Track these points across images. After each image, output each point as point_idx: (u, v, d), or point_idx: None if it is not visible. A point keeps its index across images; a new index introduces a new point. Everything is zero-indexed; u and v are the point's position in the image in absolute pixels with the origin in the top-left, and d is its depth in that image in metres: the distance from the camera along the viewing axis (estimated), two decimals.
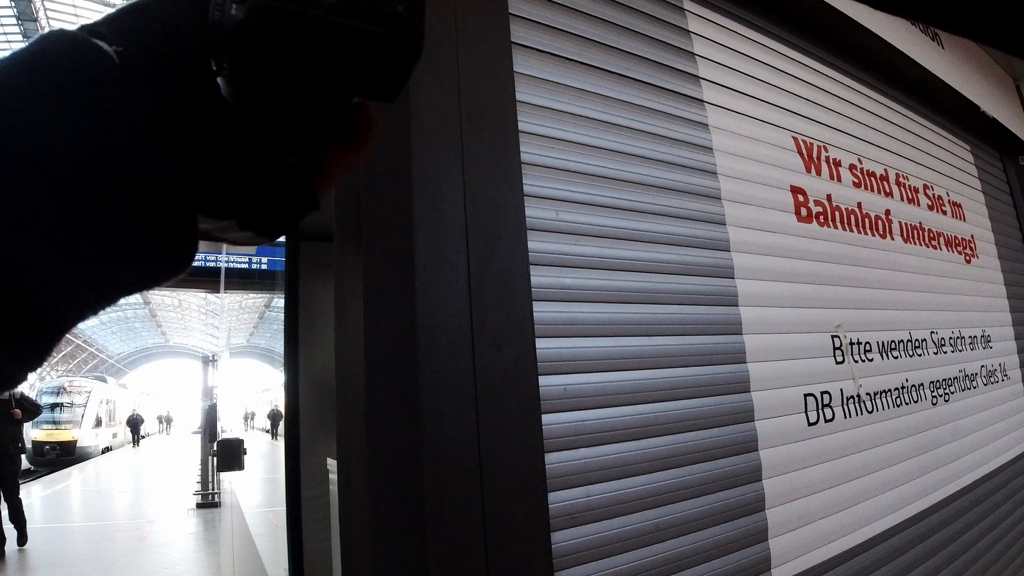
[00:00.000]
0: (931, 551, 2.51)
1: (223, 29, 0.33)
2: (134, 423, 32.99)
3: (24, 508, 8.06)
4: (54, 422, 24.41)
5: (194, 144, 0.33)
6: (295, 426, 2.60)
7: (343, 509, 1.39)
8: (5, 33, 17.77)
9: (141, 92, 0.32)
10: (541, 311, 1.51)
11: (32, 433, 23.67)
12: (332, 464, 2.50)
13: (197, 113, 0.34)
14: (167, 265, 0.34)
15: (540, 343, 1.49)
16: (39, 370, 0.34)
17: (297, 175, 0.39)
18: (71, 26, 0.35)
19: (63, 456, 23.59)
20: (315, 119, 0.39)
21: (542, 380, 1.47)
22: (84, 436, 25.32)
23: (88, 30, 0.33)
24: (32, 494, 14.96)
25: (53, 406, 24.66)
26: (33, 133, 0.28)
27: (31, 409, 8.40)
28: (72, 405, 25.65)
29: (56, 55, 0.30)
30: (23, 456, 9.00)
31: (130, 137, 0.30)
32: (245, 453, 8.80)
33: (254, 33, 0.32)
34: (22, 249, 0.28)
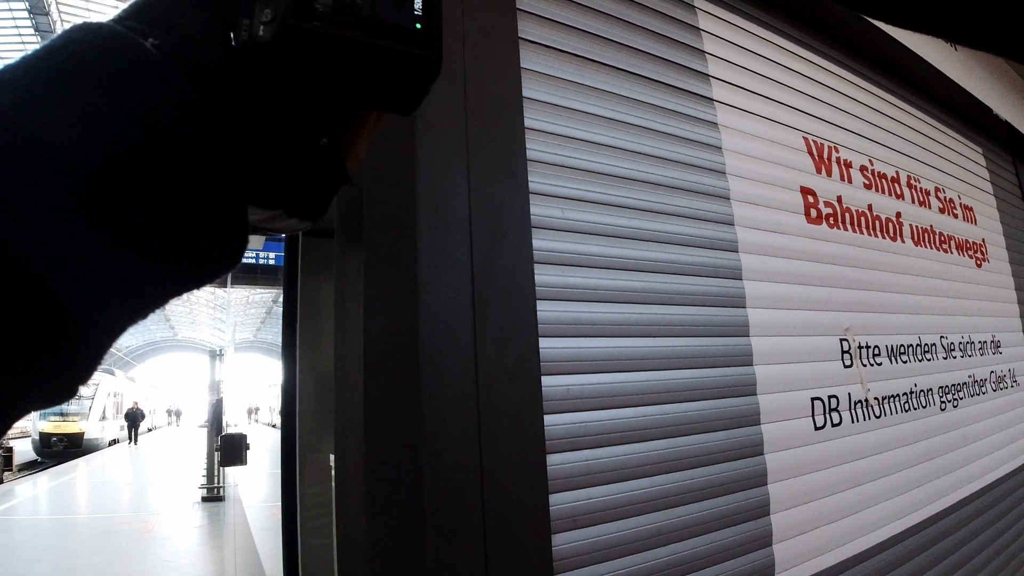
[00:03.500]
0: (938, 558, 2.48)
1: (251, 49, 0.34)
2: (132, 417, 30.26)
3: None
4: (61, 414, 24.57)
5: (240, 133, 0.34)
6: (291, 422, 2.59)
7: (340, 509, 1.37)
8: (17, 26, 17.84)
9: (180, 82, 0.31)
10: (545, 310, 1.49)
11: (39, 425, 23.85)
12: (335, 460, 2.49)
13: (233, 97, 0.34)
14: (219, 261, 0.35)
15: (544, 343, 1.47)
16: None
17: (331, 154, 0.40)
18: (82, 19, 0.35)
19: (70, 448, 23.74)
20: (343, 109, 0.42)
21: (545, 380, 1.45)
22: (91, 428, 25.50)
23: (118, 23, 0.32)
24: (39, 485, 15.04)
25: None
26: (34, 131, 0.27)
27: None
28: (80, 397, 25.79)
29: (85, 48, 0.30)
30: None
31: (157, 127, 0.30)
32: (248, 448, 8.80)
33: (282, 53, 0.34)
34: (64, 257, 0.27)
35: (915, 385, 2.64)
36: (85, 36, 0.30)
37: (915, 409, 2.61)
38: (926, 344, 2.79)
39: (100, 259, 0.28)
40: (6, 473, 18.07)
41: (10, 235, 0.25)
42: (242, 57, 0.35)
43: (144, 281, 0.31)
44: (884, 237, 2.71)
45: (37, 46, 0.30)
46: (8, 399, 0.28)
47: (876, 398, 2.39)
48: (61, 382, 0.30)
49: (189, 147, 0.31)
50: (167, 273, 0.32)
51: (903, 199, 2.91)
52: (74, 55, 0.29)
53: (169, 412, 64.39)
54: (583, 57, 1.72)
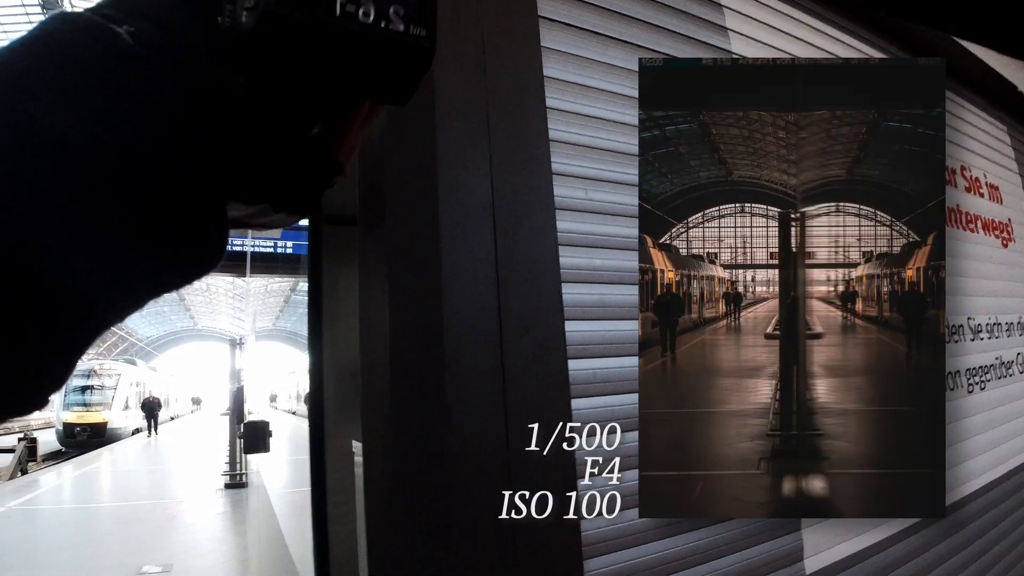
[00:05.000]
0: (963, 543, 2.46)
1: (234, 37, 0.33)
2: (149, 407, 29.05)
3: None
4: (85, 404, 24.83)
5: (221, 123, 0.33)
6: (320, 410, 2.60)
7: (368, 496, 1.37)
8: (28, 13, 17.91)
9: (160, 73, 0.31)
10: (570, 292, 1.47)
11: (63, 415, 24.12)
12: (357, 447, 2.50)
13: (220, 90, 0.33)
14: (196, 260, 0.33)
15: (569, 326, 1.45)
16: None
17: (321, 144, 0.39)
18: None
19: (94, 438, 23.99)
20: (333, 99, 0.39)
21: (572, 364, 1.44)
22: (115, 418, 25.73)
23: (95, 12, 0.32)
24: (63, 475, 15.25)
25: (84, 388, 25.07)
26: (35, 120, 0.27)
27: None
28: (103, 387, 26.04)
29: (62, 37, 0.29)
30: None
31: (151, 121, 0.29)
32: (271, 435, 8.87)
33: (265, 40, 0.32)
34: (47, 241, 0.27)
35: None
36: (60, 25, 0.30)
37: None
38: (953, 326, 2.74)
39: (99, 254, 0.28)
40: (30, 464, 18.33)
41: (11, 223, 0.25)
42: (227, 46, 0.33)
43: (139, 277, 0.31)
44: None
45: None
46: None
47: None
48: (52, 371, 0.30)
49: (187, 146, 0.30)
50: (161, 270, 0.32)
51: None
52: (49, 45, 0.29)
53: (193, 400, 65.09)
54: (606, 35, 1.69)
